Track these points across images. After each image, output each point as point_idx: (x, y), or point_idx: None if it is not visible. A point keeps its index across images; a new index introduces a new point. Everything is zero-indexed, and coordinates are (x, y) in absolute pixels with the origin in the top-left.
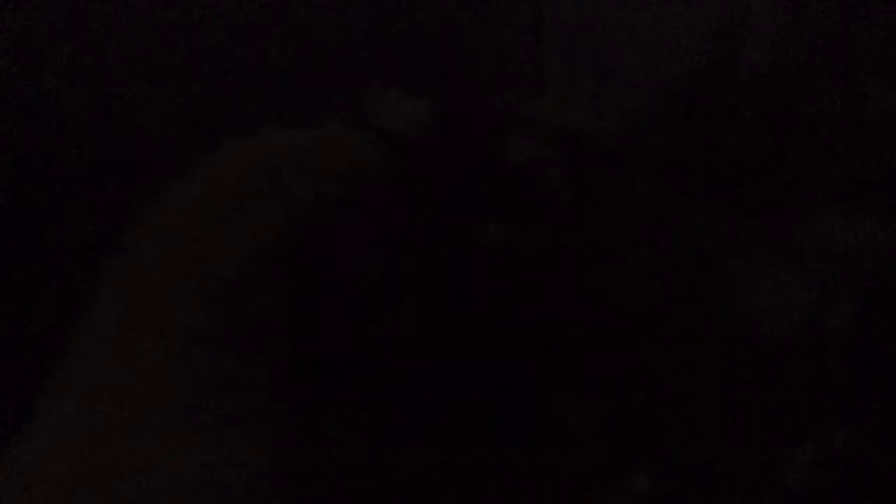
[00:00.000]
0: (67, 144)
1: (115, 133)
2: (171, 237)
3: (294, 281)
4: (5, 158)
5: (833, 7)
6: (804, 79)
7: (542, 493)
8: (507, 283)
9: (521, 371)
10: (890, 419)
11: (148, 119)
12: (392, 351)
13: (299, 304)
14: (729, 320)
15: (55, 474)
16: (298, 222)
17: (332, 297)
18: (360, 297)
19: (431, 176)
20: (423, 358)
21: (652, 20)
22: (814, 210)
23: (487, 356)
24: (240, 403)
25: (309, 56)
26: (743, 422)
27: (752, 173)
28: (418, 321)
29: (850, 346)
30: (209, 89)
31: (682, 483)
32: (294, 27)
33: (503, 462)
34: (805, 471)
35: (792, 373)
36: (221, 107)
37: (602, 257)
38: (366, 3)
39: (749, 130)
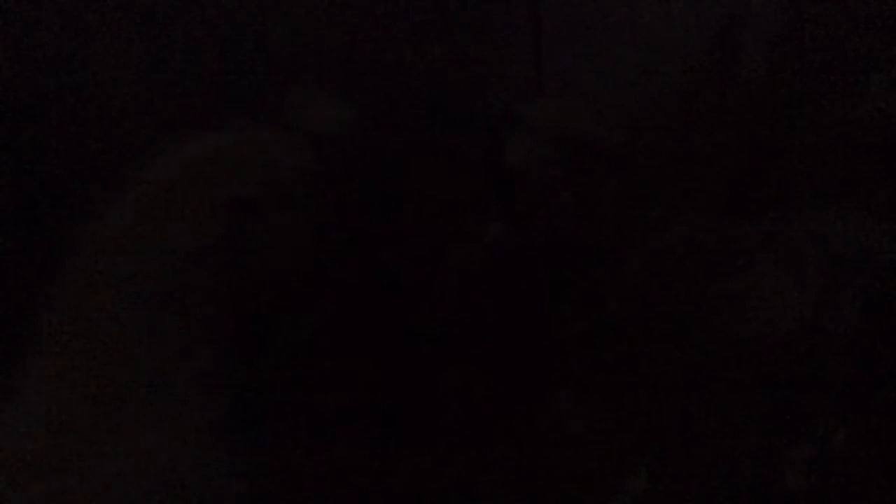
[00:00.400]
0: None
1: (56, 134)
2: (110, 240)
3: (224, 282)
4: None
5: (832, 7)
6: (804, 79)
7: (542, 494)
8: (506, 282)
9: (520, 371)
10: (889, 419)
11: (84, 121)
12: (392, 351)
13: (232, 305)
14: (729, 320)
15: (22, 460)
16: (224, 224)
17: (260, 297)
18: (288, 296)
19: (353, 175)
20: (422, 358)
21: (652, 20)
22: (814, 210)
23: (487, 356)
24: (181, 398)
25: (249, 57)
26: (742, 421)
27: (752, 174)
28: (418, 321)
29: (849, 346)
30: (138, 94)
31: (682, 483)
32: (262, 23)
33: (503, 462)
34: (804, 470)
35: (791, 373)
36: (150, 111)
37: (602, 257)
38: (366, 4)
39: (749, 131)
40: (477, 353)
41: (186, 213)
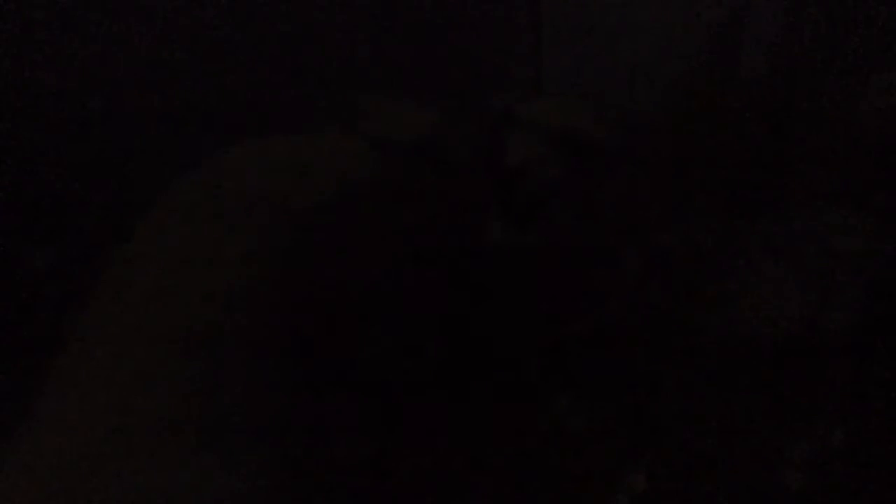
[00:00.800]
0: (68, 145)
1: (115, 135)
2: (172, 239)
3: (291, 286)
4: (4, 159)
5: (832, 7)
6: (803, 79)
7: (542, 493)
8: (506, 282)
9: (521, 371)
10: (888, 419)
11: (149, 123)
12: (391, 351)
13: (297, 308)
14: (728, 320)
15: (51, 475)
16: (297, 227)
17: (328, 301)
18: (357, 302)
19: (427, 182)
20: (422, 358)
21: (652, 20)
22: (814, 210)
23: (487, 356)
24: (238, 406)
25: (307, 63)
26: (742, 421)
27: (752, 174)
28: (418, 321)
29: (848, 346)
30: (210, 95)
31: (682, 483)
32: (292, 33)
33: (503, 462)
34: (803, 469)
35: (791, 372)
36: (222, 112)
37: (602, 257)
38: (366, 5)
39: (748, 130)
40: (477, 352)
41: (261, 216)
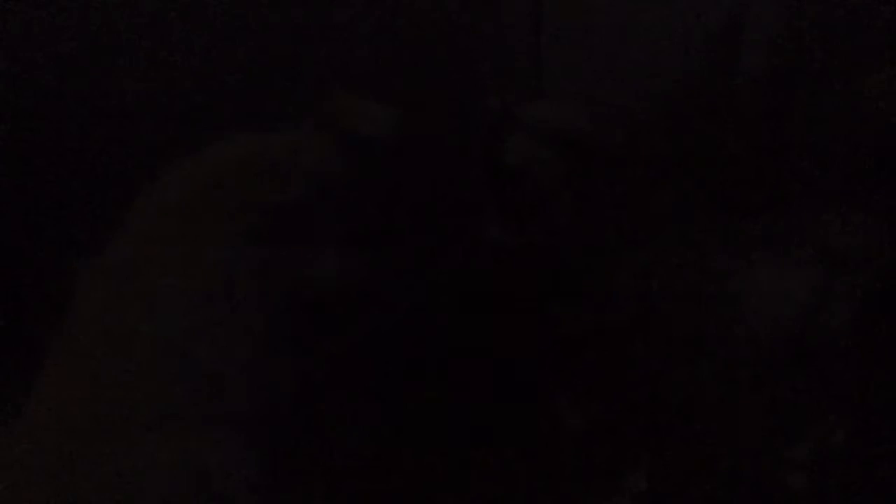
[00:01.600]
0: (44, 144)
1: (92, 134)
2: (154, 239)
3: (271, 284)
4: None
5: (832, 7)
6: (803, 79)
7: (543, 493)
8: (506, 283)
9: (520, 371)
10: (888, 419)
11: (124, 122)
12: (391, 351)
13: (279, 307)
14: (728, 320)
15: (44, 469)
16: (272, 226)
17: (307, 299)
18: (334, 299)
19: (397, 178)
20: (422, 358)
21: (652, 20)
22: (814, 210)
23: (487, 356)
24: (234, 402)
25: (289, 58)
26: (742, 421)
27: (752, 173)
28: (418, 321)
29: (849, 346)
30: (183, 93)
31: (682, 483)
32: (278, 28)
33: (503, 462)
34: (805, 470)
35: (791, 372)
36: (195, 111)
37: (602, 257)
38: (366, 4)
39: (748, 130)
40: (477, 352)
41: (228, 218)
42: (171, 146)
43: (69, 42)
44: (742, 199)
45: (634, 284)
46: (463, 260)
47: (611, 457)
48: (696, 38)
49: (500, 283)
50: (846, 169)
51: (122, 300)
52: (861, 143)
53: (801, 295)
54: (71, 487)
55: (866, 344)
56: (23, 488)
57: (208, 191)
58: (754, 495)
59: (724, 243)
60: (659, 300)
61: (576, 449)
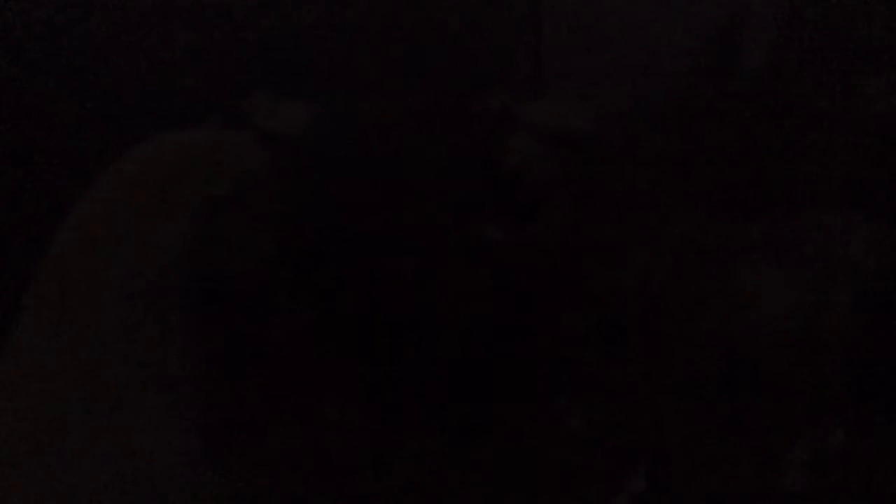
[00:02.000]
0: None
1: (22, 138)
2: (85, 242)
3: (195, 280)
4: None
5: (831, 7)
6: (803, 79)
7: (542, 494)
8: (506, 283)
9: (520, 371)
10: (888, 419)
11: (48, 125)
12: (391, 351)
13: (205, 302)
14: (728, 320)
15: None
16: (192, 223)
17: (230, 293)
18: (255, 293)
19: (313, 175)
20: (422, 357)
21: (652, 20)
22: (814, 211)
23: (487, 356)
24: (168, 392)
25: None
26: (742, 421)
27: (752, 173)
28: (418, 321)
29: (848, 346)
30: (100, 94)
31: (682, 483)
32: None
33: (503, 461)
34: (803, 470)
35: (790, 372)
36: (113, 112)
37: (602, 257)
38: (366, 4)
39: (748, 130)
40: (477, 352)
41: (163, 212)
42: (96, 148)
43: None
44: (742, 199)
45: (634, 284)
46: (463, 260)
47: (612, 457)
48: (696, 38)
49: (499, 283)
50: (846, 169)
51: (65, 298)
52: (861, 143)
53: (801, 295)
54: (20, 478)
55: (866, 344)
56: None
57: (131, 193)
58: (755, 495)
59: (724, 243)
60: (659, 300)
61: (577, 449)
